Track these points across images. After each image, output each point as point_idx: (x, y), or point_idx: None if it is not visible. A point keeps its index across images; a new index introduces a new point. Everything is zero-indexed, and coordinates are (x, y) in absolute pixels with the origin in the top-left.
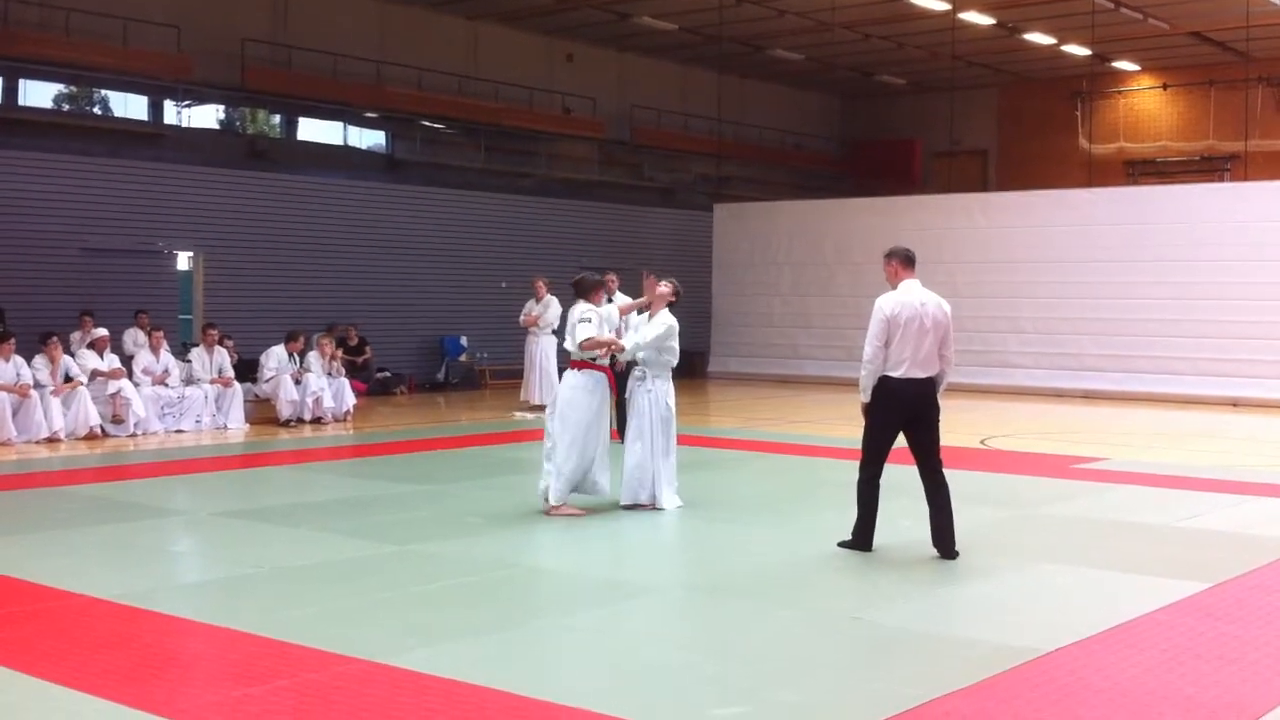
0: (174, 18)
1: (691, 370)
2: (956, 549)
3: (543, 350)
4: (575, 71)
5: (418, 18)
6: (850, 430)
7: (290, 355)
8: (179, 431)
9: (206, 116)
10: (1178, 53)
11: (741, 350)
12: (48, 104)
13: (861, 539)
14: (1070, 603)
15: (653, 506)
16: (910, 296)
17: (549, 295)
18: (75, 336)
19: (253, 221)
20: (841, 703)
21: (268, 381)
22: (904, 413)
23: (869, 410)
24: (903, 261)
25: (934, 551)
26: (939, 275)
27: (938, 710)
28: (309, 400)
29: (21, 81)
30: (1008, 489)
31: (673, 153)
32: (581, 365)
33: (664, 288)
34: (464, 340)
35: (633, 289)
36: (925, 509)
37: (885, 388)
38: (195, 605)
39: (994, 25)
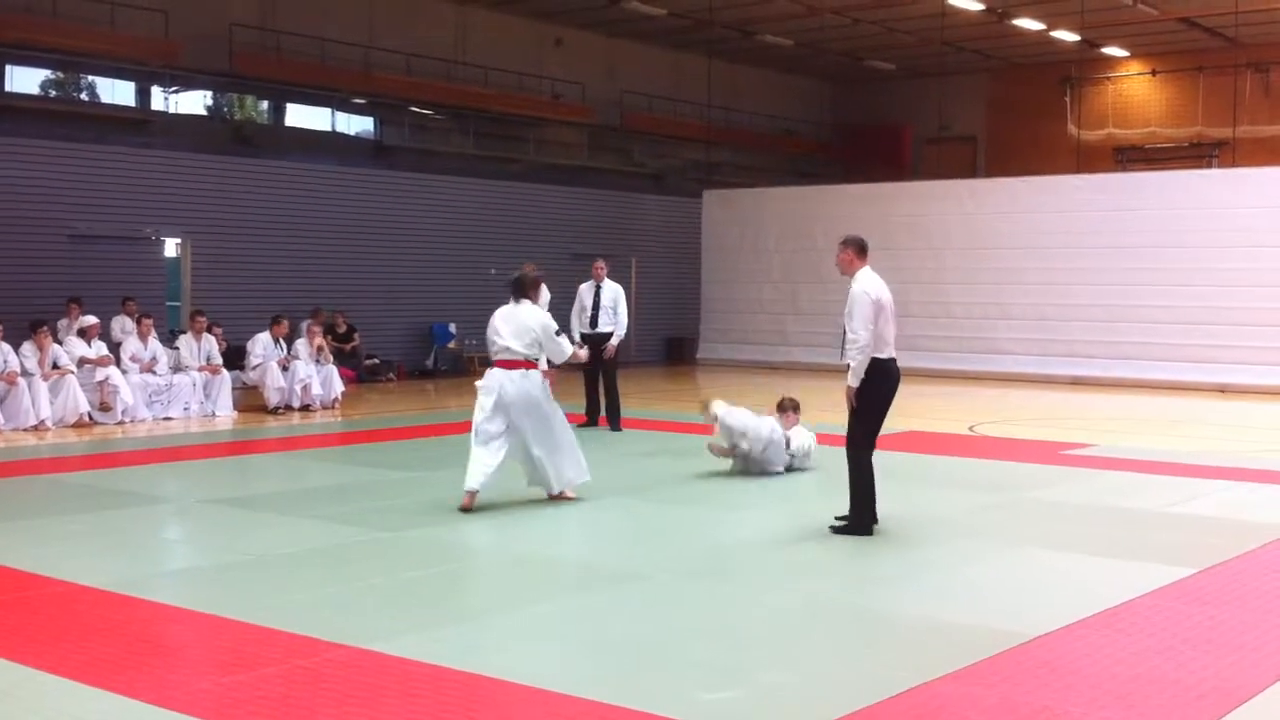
0: (162, 3)
1: (680, 356)
2: None
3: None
4: (564, 57)
5: (406, 3)
6: (837, 417)
7: (276, 340)
8: (167, 419)
9: (194, 102)
10: (1167, 39)
11: (731, 336)
12: (34, 90)
13: (869, 520)
14: (1058, 587)
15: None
16: (881, 283)
17: (544, 291)
18: (63, 324)
19: (241, 208)
20: (831, 687)
21: (255, 368)
22: (892, 392)
23: (863, 393)
24: (859, 250)
25: (916, 533)
26: (928, 261)
27: (925, 694)
28: (297, 387)
29: (8, 67)
30: (996, 474)
31: (662, 138)
32: (529, 365)
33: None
34: (453, 327)
35: (621, 275)
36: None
37: (880, 370)
38: (183, 592)
39: (983, 11)
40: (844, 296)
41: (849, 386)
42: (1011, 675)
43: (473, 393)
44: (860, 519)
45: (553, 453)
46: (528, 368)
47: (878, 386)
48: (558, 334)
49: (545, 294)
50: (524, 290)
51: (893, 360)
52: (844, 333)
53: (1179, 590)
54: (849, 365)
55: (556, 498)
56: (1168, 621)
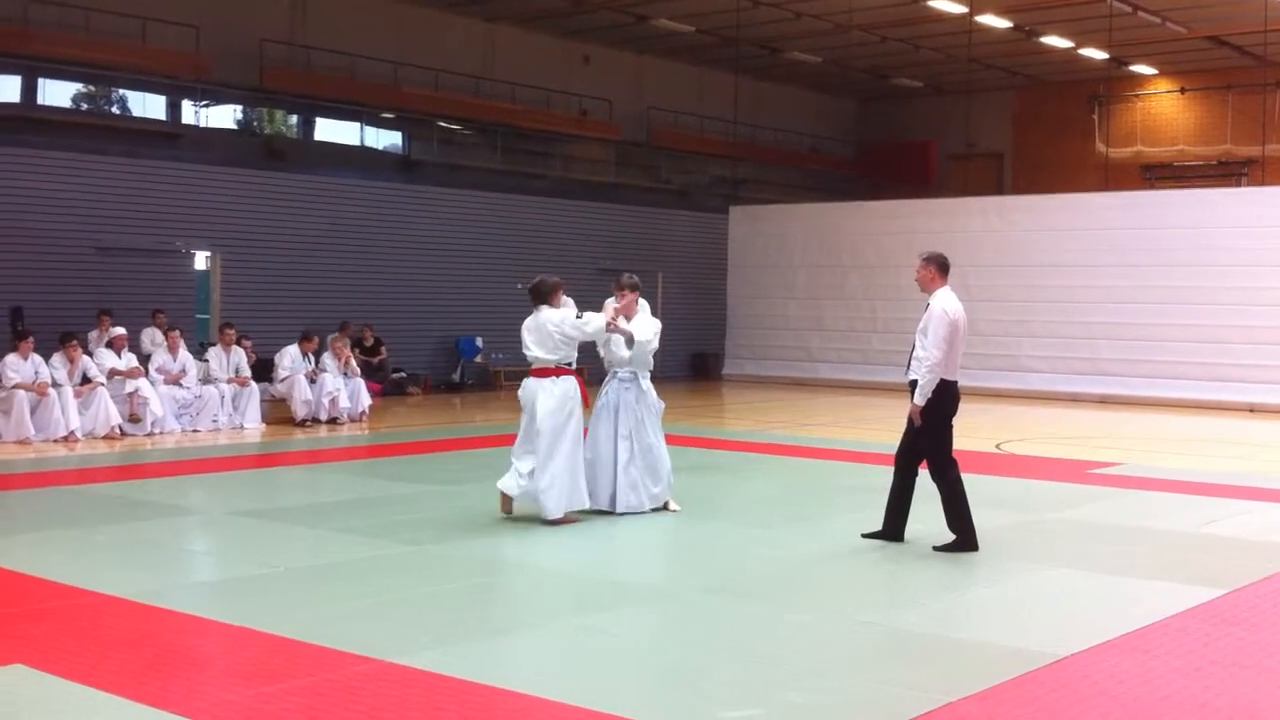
0: (193, 17)
1: (705, 372)
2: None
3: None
4: (592, 73)
5: (435, 19)
6: (863, 434)
7: (305, 355)
8: (195, 431)
9: (224, 116)
10: (1195, 56)
11: (756, 353)
12: (66, 103)
13: (973, 536)
14: (1085, 608)
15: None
16: (959, 304)
17: (565, 298)
18: (93, 335)
19: (269, 221)
20: (854, 706)
21: (282, 381)
22: (954, 412)
23: (930, 413)
24: (941, 268)
25: (944, 554)
26: (954, 279)
27: (950, 714)
28: (325, 400)
29: (40, 80)
30: (1023, 493)
31: (689, 154)
32: (559, 372)
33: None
34: (479, 341)
35: (647, 291)
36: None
37: (948, 391)
38: (211, 604)
39: (1011, 28)
40: (867, 314)
41: (915, 405)
42: (1036, 696)
43: (498, 407)
44: (965, 537)
45: (553, 465)
46: (558, 374)
47: (943, 407)
48: (579, 317)
49: (571, 306)
50: (542, 296)
51: (956, 382)
52: (913, 348)
53: (1207, 611)
54: (913, 382)
55: (550, 523)
56: (1195, 643)
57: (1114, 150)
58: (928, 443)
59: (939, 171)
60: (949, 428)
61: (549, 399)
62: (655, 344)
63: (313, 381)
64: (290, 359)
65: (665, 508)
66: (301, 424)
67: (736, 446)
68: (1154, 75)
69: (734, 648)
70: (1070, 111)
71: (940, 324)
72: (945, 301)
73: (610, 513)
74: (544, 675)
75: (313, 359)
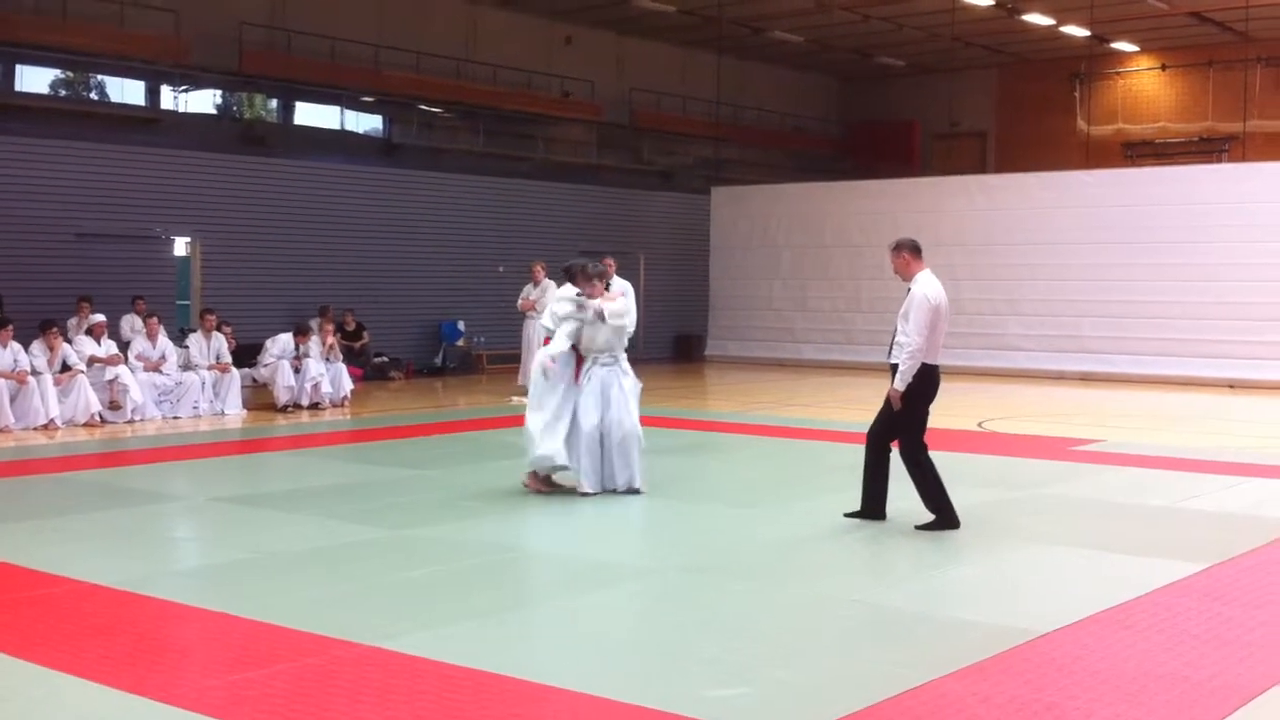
0: (171, 1)
1: (688, 354)
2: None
3: (540, 335)
4: (574, 55)
5: (416, 1)
6: (847, 414)
7: (296, 347)
8: (176, 418)
9: (203, 101)
10: (1177, 33)
11: (739, 333)
12: (44, 89)
13: (952, 514)
14: (1067, 584)
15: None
16: (940, 287)
17: (546, 279)
18: (72, 322)
19: (250, 207)
20: (838, 684)
21: (266, 366)
22: (932, 397)
23: (909, 397)
24: (914, 252)
25: (926, 532)
26: (938, 258)
27: (934, 691)
28: (307, 386)
29: (18, 66)
30: (1005, 471)
31: (671, 136)
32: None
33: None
34: (461, 325)
35: (630, 272)
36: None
37: (929, 375)
38: (192, 590)
39: (993, 6)
40: (851, 294)
41: (894, 390)
42: (1020, 672)
43: (480, 390)
44: (944, 515)
45: (537, 415)
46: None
47: (922, 391)
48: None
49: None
50: (571, 276)
51: (937, 366)
52: (895, 332)
53: (1188, 586)
54: (894, 365)
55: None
56: (1177, 618)
57: (1096, 128)
58: (903, 425)
59: (922, 151)
60: (925, 412)
61: (549, 358)
62: (628, 323)
63: (297, 370)
64: (280, 347)
65: (634, 490)
66: (283, 410)
67: (720, 427)
68: (1135, 52)
69: (720, 627)
70: (1052, 89)
71: (921, 310)
72: (927, 286)
73: (588, 493)
74: (529, 658)
75: (299, 349)
